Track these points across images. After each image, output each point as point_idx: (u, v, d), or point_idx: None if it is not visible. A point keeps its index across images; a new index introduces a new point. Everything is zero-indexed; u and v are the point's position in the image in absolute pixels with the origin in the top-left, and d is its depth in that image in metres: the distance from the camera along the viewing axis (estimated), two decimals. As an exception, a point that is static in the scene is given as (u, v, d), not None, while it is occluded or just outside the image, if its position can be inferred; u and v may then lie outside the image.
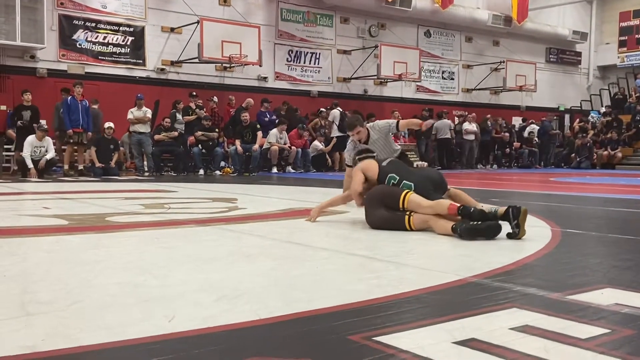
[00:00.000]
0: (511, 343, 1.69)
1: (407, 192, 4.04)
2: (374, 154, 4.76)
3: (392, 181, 4.24)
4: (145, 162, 12.87)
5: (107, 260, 2.98)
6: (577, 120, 20.69)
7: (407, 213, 4.00)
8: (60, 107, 11.77)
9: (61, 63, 13.88)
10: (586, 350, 1.64)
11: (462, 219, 3.74)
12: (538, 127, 19.52)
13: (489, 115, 19.13)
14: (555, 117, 21.92)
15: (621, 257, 3.22)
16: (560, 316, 1.97)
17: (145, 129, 12.69)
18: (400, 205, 4.02)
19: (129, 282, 2.48)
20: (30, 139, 10.91)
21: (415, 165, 6.47)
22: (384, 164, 4.44)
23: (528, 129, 19.35)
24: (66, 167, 11.94)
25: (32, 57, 13.45)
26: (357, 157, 4.71)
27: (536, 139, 19.17)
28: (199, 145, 13.16)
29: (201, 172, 13.02)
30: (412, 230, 3.97)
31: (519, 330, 1.81)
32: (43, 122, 11.81)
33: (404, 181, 4.20)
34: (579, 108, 22.80)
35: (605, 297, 2.23)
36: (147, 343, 1.69)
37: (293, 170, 13.81)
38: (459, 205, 3.82)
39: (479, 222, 3.65)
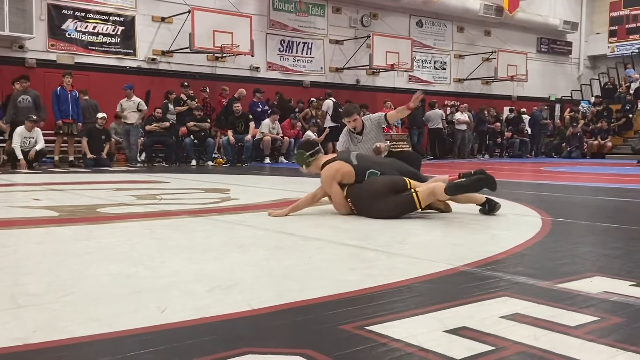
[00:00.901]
0: (502, 331, 1.71)
1: (412, 186, 4.14)
2: (320, 149, 4.68)
3: (373, 176, 4.25)
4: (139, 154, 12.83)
5: (99, 252, 2.97)
6: (568, 110, 20.77)
7: (413, 191, 4.05)
8: (17, 97, 11.49)
9: (50, 53, 13.74)
10: (575, 337, 1.66)
11: None
12: (528, 117, 19.61)
13: (483, 106, 19.19)
14: (546, 107, 21.98)
15: (610, 245, 3.25)
16: (550, 304, 1.99)
17: (132, 120, 12.57)
18: (408, 186, 4.12)
19: (121, 273, 2.47)
20: (20, 129, 10.82)
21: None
22: (355, 162, 4.35)
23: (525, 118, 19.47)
24: (56, 158, 11.87)
25: (21, 47, 13.30)
26: (307, 154, 4.51)
27: (527, 128, 19.24)
28: (191, 136, 13.11)
29: (193, 162, 12.98)
30: (421, 207, 4.10)
31: (510, 319, 1.83)
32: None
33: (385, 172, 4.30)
34: (570, 98, 22.87)
35: (595, 285, 2.25)
36: (139, 334, 1.69)
37: (286, 161, 13.79)
38: (459, 174, 4.07)
39: (464, 179, 3.77)
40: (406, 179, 4.16)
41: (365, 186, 4.22)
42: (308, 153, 4.52)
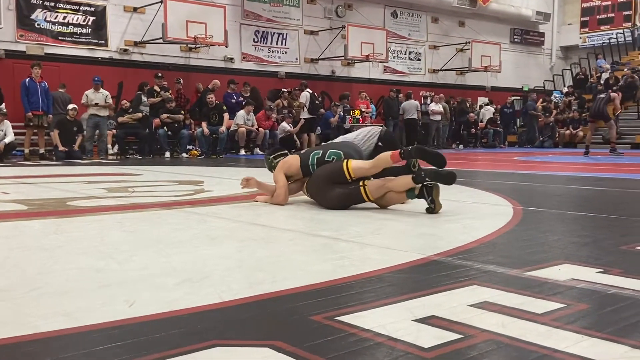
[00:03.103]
0: (470, 319, 1.72)
1: (347, 161, 4.07)
2: (286, 152, 4.76)
3: (317, 156, 4.25)
4: (109, 145, 12.65)
5: (68, 246, 2.92)
6: (541, 100, 21.04)
7: (361, 184, 4.03)
8: None
9: (19, 44, 13.45)
10: (542, 324, 1.68)
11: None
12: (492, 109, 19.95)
13: (460, 98, 19.42)
14: (519, 97, 22.26)
15: (579, 233, 3.31)
16: (518, 292, 2.01)
17: (104, 112, 12.41)
18: (347, 176, 4.05)
19: (90, 267, 2.44)
20: (-12, 122, 10.61)
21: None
22: (303, 151, 4.50)
23: (491, 109, 19.68)
24: (27, 151, 11.65)
25: (-11, 37, 13.01)
26: (271, 157, 4.67)
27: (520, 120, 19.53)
28: (165, 128, 12.97)
29: (167, 154, 12.86)
30: (370, 200, 4.06)
31: (478, 307, 1.85)
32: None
33: (329, 151, 4.26)
34: (542, 88, 23.18)
35: (562, 272, 2.29)
36: (107, 328, 1.67)
37: (261, 152, 13.74)
38: (399, 150, 3.96)
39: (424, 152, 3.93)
40: (344, 166, 4.05)
41: (312, 178, 4.27)
42: (272, 157, 4.67)
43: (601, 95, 13.13)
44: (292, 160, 4.42)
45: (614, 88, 18.89)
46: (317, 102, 15.74)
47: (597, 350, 1.49)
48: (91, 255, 2.69)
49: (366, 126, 15.54)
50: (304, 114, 15.13)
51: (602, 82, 20.57)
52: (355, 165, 4.05)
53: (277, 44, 17.75)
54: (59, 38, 13.92)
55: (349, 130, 15.62)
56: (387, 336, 1.59)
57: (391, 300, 1.93)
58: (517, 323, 1.70)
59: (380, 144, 5.16)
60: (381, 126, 5.78)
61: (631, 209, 4.47)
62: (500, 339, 1.57)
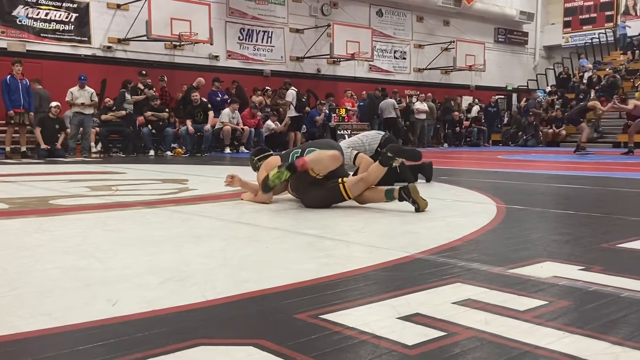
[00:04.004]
0: (453, 317, 1.73)
1: (343, 184, 4.04)
2: (271, 153, 4.79)
3: (296, 155, 4.26)
4: (92, 143, 12.53)
5: (49, 245, 2.89)
6: (524, 99, 21.23)
7: (340, 181, 4.04)
8: None
9: (1, 40, 13.28)
10: (524, 321, 1.70)
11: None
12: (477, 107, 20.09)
13: (446, 96, 19.53)
14: (503, 97, 22.43)
15: (561, 231, 3.34)
16: (501, 290, 2.03)
17: (89, 110, 12.30)
18: (346, 196, 4.06)
19: (72, 266, 2.41)
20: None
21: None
22: (284, 152, 4.52)
23: (475, 108, 19.80)
24: (8, 149, 11.50)
25: (-31, 34, 12.83)
26: (255, 158, 4.71)
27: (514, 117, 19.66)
28: (149, 126, 12.88)
29: (151, 153, 12.77)
30: (350, 198, 4.06)
31: (462, 304, 1.86)
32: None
33: (307, 149, 4.28)
34: (526, 87, 23.38)
35: (545, 270, 2.31)
36: (88, 328, 1.65)
37: (246, 151, 13.69)
38: (378, 160, 4.03)
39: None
40: (342, 188, 4.05)
41: (294, 179, 4.26)
42: (256, 158, 4.69)
43: (582, 103, 13.30)
44: (273, 161, 4.44)
45: (596, 88, 19.13)
46: (303, 100, 15.72)
47: (579, 347, 1.50)
48: (73, 254, 2.66)
49: (353, 127, 15.62)
50: (291, 112, 15.10)
51: (584, 81, 20.80)
52: (351, 184, 4.04)
53: (262, 42, 17.71)
54: (41, 35, 13.77)
55: (334, 129, 15.71)
56: (371, 334, 1.59)
57: (375, 298, 1.93)
58: (499, 320, 1.71)
59: (379, 149, 5.18)
60: (384, 132, 5.79)
61: (612, 207, 4.52)
62: (483, 336, 1.58)
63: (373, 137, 5.45)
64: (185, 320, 1.73)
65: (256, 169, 4.64)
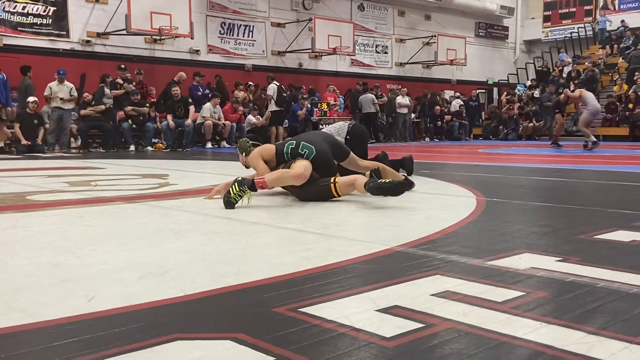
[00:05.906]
0: (432, 309, 1.74)
1: (335, 184, 4.15)
2: (260, 141, 4.82)
3: (291, 146, 4.31)
4: (71, 138, 12.38)
5: (26, 240, 2.85)
6: (505, 93, 21.39)
7: (332, 180, 4.12)
8: None
9: (-24, 34, 13.04)
10: (501, 312, 1.71)
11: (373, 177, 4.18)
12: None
13: (431, 91, 19.62)
14: (484, 90, 22.57)
15: (539, 223, 3.37)
16: (480, 281, 2.04)
17: (68, 105, 12.14)
18: (335, 194, 4.16)
19: (48, 262, 2.38)
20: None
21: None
22: (279, 142, 4.61)
23: (455, 103, 19.88)
24: (-15, 145, 11.33)
25: (-57, 27, 12.57)
26: (250, 142, 4.73)
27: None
28: (129, 120, 12.76)
29: (132, 148, 12.65)
30: (339, 196, 4.14)
31: (440, 296, 1.86)
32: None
33: (302, 142, 4.31)
34: (507, 81, 23.56)
35: (523, 261, 2.33)
36: (64, 324, 1.63)
37: (228, 146, 13.64)
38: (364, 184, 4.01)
39: (387, 181, 3.83)
40: (333, 188, 4.16)
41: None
42: (251, 142, 4.72)
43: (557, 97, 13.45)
44: (268, 147, 4.55)
45: (576, 82, 19.33)
46: (284, 94, 15.68)
47: (555, 336, 1.52)
48: (50, 250, 2.62)
49: (336, 121, 15.63)
50: (272, 107, 15.06)
51: (564, 75, 21.01)
52: (342, 185, 4.12)
53: (243, 36, 17.60)
54: (19, 29, 13.54)
55: (316, 123, 15.69)
56: (350, 326, 1.59)
57: (355, 291, 1.93)
58: (477, 311, 1.72)
59: (349, 137, 5.22)
60: (349, 119, 5.85)
61: (589, 200, 4.58)
62: (461, 327, 1.59)
63: (340, 126, 5.49)
64: (163, 315, 1.72)
65: (245, 151, 4.67)
